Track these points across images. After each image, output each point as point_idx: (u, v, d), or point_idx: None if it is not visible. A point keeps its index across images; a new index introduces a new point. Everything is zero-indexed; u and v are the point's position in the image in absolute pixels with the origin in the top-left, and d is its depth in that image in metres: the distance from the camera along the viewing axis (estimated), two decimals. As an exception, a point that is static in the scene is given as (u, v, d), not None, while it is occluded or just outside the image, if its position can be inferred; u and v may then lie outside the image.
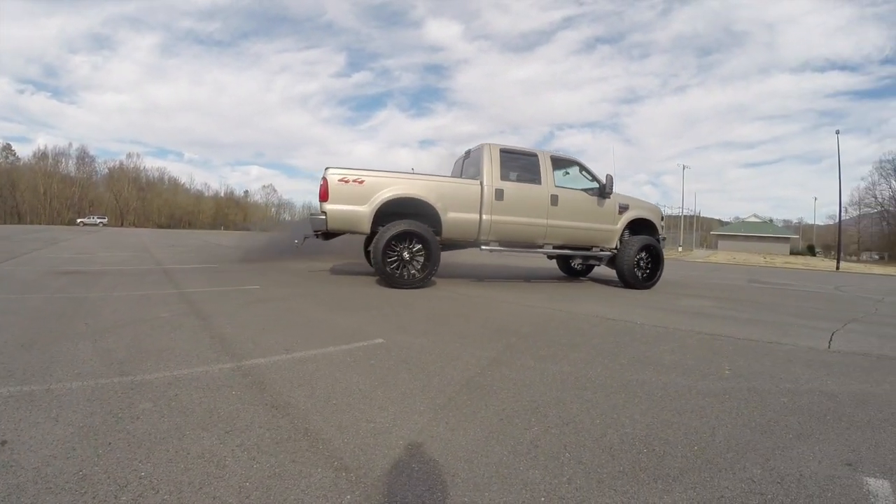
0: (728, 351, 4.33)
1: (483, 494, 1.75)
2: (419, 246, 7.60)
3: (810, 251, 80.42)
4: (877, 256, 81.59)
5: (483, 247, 8.41)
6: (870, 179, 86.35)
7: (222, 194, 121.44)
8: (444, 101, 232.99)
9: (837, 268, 37.42)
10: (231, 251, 15.37)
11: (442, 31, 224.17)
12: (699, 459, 2.14)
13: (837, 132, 37.32)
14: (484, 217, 8.18)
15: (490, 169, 8.25)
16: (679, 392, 3.07)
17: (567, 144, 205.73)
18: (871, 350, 4.62)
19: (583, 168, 9.25)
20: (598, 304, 7.03)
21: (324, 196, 7.49)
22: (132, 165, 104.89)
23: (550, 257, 10.17)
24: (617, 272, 9.44)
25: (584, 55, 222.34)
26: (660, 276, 9.75)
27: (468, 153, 9.28)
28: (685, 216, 67.37)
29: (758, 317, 6.61)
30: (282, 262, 12.01)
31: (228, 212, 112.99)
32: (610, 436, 2.34)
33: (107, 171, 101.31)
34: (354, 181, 7.56)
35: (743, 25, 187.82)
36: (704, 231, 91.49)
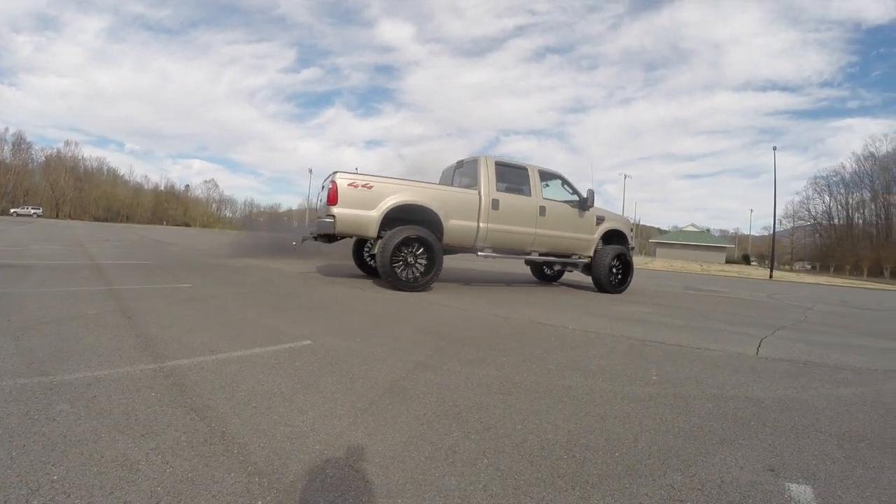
0: (657, 356, 4.55)
1: (396, 501, 1.80)
2: (422, 251, 8.30)
3: (745, 260, 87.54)
4: (809, 266, 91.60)
5: (479, 253, 9.29)
6: (804, 194, 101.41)
7: (162, 188, 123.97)
8: (393, 102, 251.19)
9: (771, 276, 40.17)
10: (172, 248, 15.86)
11: (395, 31, 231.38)
12: (620, 466, 2.20)
13: (774, 149, 42.38)
14: (481, 225, 9.08)
15: (486, 180, 9.20)
16: (604, 397, 3.18)
17: (512, 150, 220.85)
18: (798, 356, 5.01)
19: (564, 182, 10.46)
20: (536, 309, 7.35)
21: (333, 200, 7.95)
22: (70, 154, 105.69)
23: (527, 262, 11.47)
24: (593, 278, 10.73)
25: (534, 64, 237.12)
26: (630, 281, 11.20)
27: (461, 163, 10.25)
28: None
29: (690, 323, 7.04)
30: (271, 260, 13.07)
31: (168, 206, 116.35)
32: (530, 441, 2.39)
33: (44, 158, 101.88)
34: (363, 186, 8.11)
35: (690, 43, 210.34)
36: (643, 239, 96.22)
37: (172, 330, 4.18)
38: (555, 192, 10.38)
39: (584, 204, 10.36)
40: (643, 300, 10.23)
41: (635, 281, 13.21)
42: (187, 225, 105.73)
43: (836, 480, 2.17)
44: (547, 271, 12.77)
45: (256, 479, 1.85)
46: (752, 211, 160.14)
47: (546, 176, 10.28)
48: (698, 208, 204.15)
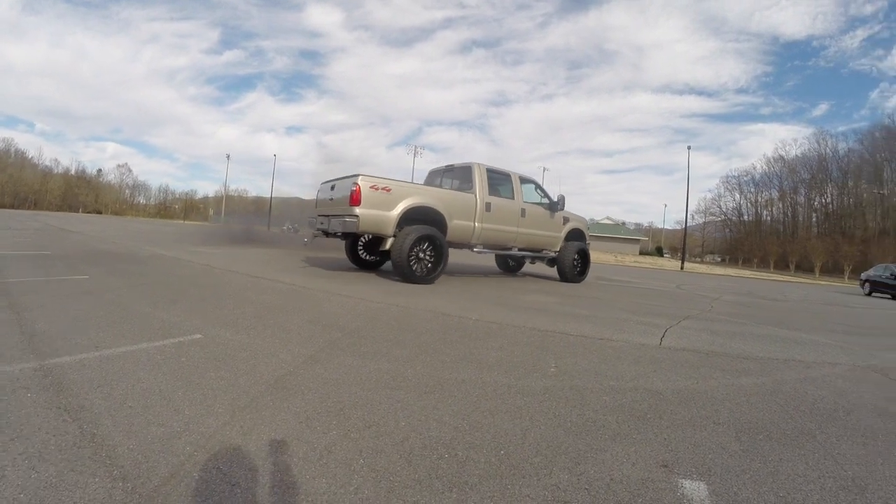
0: (558, 347, 4.66)
1: (261, 507, 1.84)
2: (431, 248, 9.63)
3: (658, 252, 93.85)
4: (719, 259, 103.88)
5: (474, 249, 11.10)
6: (716, 192, 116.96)
7: (73, 172, 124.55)
8: (317, 89, 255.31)
9: (682, 268, 42.22)
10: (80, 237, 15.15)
11: (323, 16, 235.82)
12: (504, 465, 2.19)
13: (689, 148, 48.02)
14: (476, 224, 10.84)
15: (480, 185, 10.98)
16: (497, 391, 3.19)
17: (434, 141, 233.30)
18: (701, 346, 5.31)
19: (538, 186, 12.83)
20: (442, 299, 7.48)
21: (356, 201, 9.02)
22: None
23: (499, 256, 14.10)
24: (558, 269, 13.20)
25: (460, 56, 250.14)
26: (588, 272, 13.93)
27: (451, 167, 12.24)
28: None
29: (596, 313, 7.32)
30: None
31: (79, 192, 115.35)
32: (412, 440, 2.37)
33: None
34: (383, 189, 9.33)
35: (614, 45, 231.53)
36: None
37: (60, 325, 4.14)
38: (529, 195, 12.42)
39: (554, 206, 12.74)
40: (552, 290, 10.65)
41: (549, 272, 14.43)
42: (99, 212, 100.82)
43: (733, 475, 2.26)
44: (510, 263, 14.82)
45: (120, 485, 1.86)
46: (665, 206, 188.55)
47: (524, 181, 12.36)
48: (614, 202, 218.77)
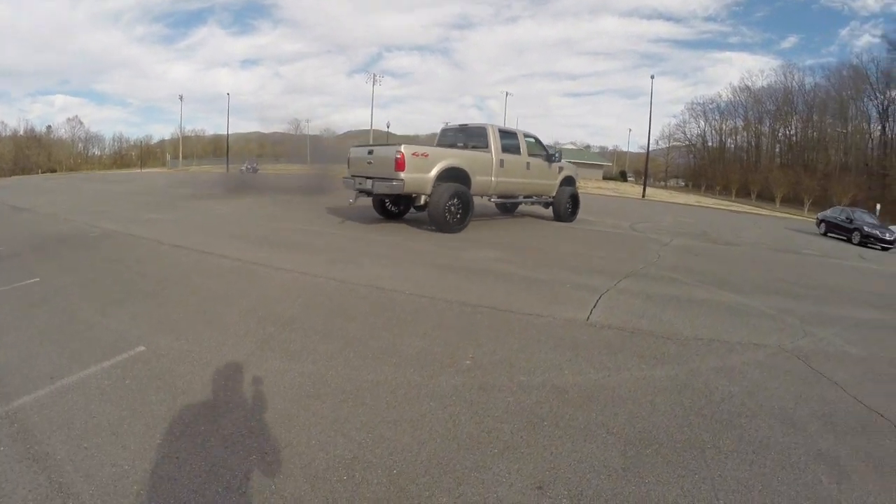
0: (482, 329, 4.78)
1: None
2: (459, 202, 11.64)
3: (622, 177, 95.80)
4: (683, 183, 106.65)
5: (491, 199, 13.52)
6: (681, 118, 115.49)
7: (22, 132, 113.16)
8: (270, 18, 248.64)
9: (643, 196, 42.60)
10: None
11: None
12: (392, 487, 2.33)
13: (652, 77, 50.48)
14: (493, 179, 12.89)
15: (495, 145, 13.00)
16: (407, 396, 3.32)
17: (395, 66, 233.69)
18: (628, 321, 5.45)
19: (538, 141, 15.07)
20: (384, 266, 7.53)
21: (401, 167, 10.73)
22: None
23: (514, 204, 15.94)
24: (553, 210, 15.75)
25: None
26: (578, 212, 16.49)
27: (465, 126, 14.45)
28: None
29: (535, 273, 7.48)
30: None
31: (30, 153, 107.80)
32: (318, 461, 2.53)
33: None
34: (422, 155, 11.15)
35: None
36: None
37: (15, 354, 4.08)
38: (532, 149, 14.45)
39: (551, 158, 14.99)
40: (497, 240, 10.92)
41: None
42: (53, 171, 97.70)
43: (602, 501, 2.36)
44: (508, 204, 16.21)
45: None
46: (630, 130, 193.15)
47: (527, 136, 14.57)
48: (579, 125, 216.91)
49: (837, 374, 4.42)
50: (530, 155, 14.26)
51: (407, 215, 14.65)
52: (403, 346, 4.22)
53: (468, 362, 3.91)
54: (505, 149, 13.33)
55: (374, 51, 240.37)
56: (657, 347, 4.65)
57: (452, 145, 13.75)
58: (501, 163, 13.09)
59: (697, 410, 3.47)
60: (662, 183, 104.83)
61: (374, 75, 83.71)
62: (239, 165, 67.75)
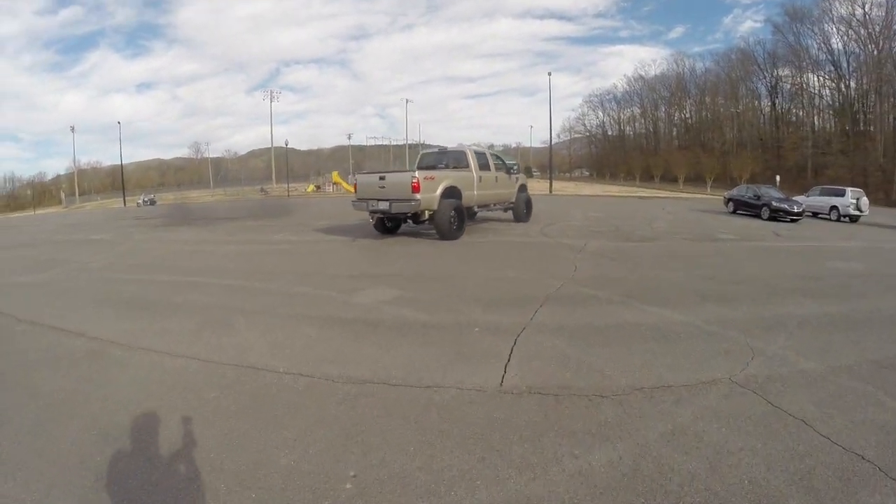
0: (370, 423, 3.78)
1: None
2: (456, 215, 14.38)
3: (528, 172, 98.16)
4: (587, 173, 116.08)
5: (473, 209, 16.17)
6: (580, 111, 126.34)
7: None
8: (164, 39, 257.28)
9: (550, 191, 43.42)
10: None
11: None
12: None
13: (549, 74, 55.91)
14: (475, 192, 15.62)
15: (473, 164, 15.84)
16: None
17: (293, 81, 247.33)
18: (551, 377, 4.59)
19: (499, 157, 18.68)
20: (256, 327, 6.39)
21: (417, 189, 13.34)
22: None
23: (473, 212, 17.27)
24: (513, 214, 19.30)
25: None
26: (531, 213, 20.13)
27: (444, 150, 17.66)
28: (410, 145, 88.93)
29: (437, 317, 6.58)
30: None
31: None
32: None
33: None
34: (429, 178, 13.80)
35: None
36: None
37: None
38: (497, 165, 17.57)
39: (511, 170, 18.57)
40: (398, 269, 10.16)
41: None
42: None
43: None
44: (476, 211, 17.89)
45: None
46: (531, 126, 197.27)
47: (493, 156, 18.02)
48: (480, 125, 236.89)
49: (801, 406, 3.93)
50: (497, 170, 17.44)
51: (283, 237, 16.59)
52: (269, 467, 3.18)
53: (349, 486, 2.94)
54: (480, 167, 16.26)
55: (272, 67, 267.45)
56: (591, 415, 3.83)
57: (433, 167, 16.27)
58: (480, 179, 15.99)
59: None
60: (567, 174, 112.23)
61: (272, 91, 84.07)
62: (136, 198, 70.94)
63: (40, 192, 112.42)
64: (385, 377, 4.61)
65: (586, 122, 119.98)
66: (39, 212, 76.15)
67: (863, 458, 3.18)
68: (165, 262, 12.47)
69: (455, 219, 14.50)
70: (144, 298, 8.33)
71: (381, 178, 14.70)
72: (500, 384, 4.42)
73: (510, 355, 5.05)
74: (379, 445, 3.42)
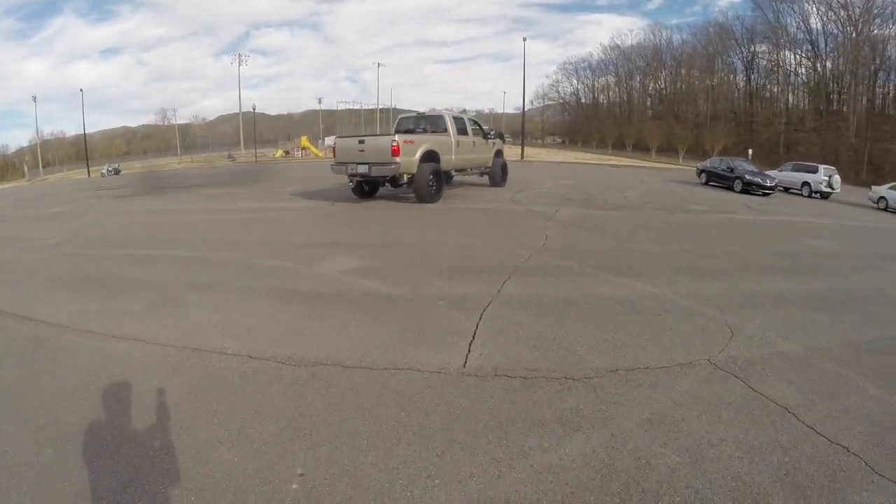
0: (319, 412, 3.44)
1: None
2: (434, 178, 14.73)
3: (501, 138, 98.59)
4: (560, 140, 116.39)
5: (451, 172, 16.50)
6: (554, 78, 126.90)
7: None
8: (130, 2, 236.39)
9: (522, 157, 43.44)
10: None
11: None
12: None
13: (524, 40, 54.81)
14: (452, 157, 15.89)
15: (452, 129, 16.12)
16: None
17: (264, 44, 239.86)
18: (519, 358, 4.28)
19: (476, 122, 18.71)
20: (208, 304, 5.96)
21: (396, 153, 13.49)
22: None
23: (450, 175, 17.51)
24: (489, 178, 19.57)
25: None
26: (507, 177, 20.57)
27: (422, 115, 17.79)
28: (381, 109, 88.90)
29: (400, 289, 6.23)
30: None
31: None
32: None
33: None
34: (409, 142, 14.02)
35: None
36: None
37: None
38: (475, 129, 17.92)
39: (488, 135, 18.74)
40: (364, 237, 9.90)
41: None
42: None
43: None
44: (453, 175, 18.20)
45: None
46: (505, 93, 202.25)
47: (470, 121, 18.12)
48: (454, 90, 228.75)
49: (784, 392, 3.77)
50: (474, 135, 17.73)
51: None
52: (210, 464, 2.84)
53: (295, 486, 2.61)
54: (458, 132, 16.51)
55: (241, 30, 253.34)
56: (562, 401, 3.54)
57: (410, 131, 16.41)
58: (458, 143, 16.25)
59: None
60: (540, 141, 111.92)
61: (240, 55, 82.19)
62: (101, 168, 69.32)
63: (3, 167, 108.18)
64: (339, 358, 4.26)
65: (560, 89, 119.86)
66: (1, 186, 73.87)
67: (848, 450, 3.03)
68: (124, 235, 11.74)
69: (433, 182, 14.79)
70: (98, 276, 7.75)
71: (361, 142, 14.83)
72: (464, 365, 4.11)
73: (475, 332, 4.76)
74: (329, 438, 3.09)
